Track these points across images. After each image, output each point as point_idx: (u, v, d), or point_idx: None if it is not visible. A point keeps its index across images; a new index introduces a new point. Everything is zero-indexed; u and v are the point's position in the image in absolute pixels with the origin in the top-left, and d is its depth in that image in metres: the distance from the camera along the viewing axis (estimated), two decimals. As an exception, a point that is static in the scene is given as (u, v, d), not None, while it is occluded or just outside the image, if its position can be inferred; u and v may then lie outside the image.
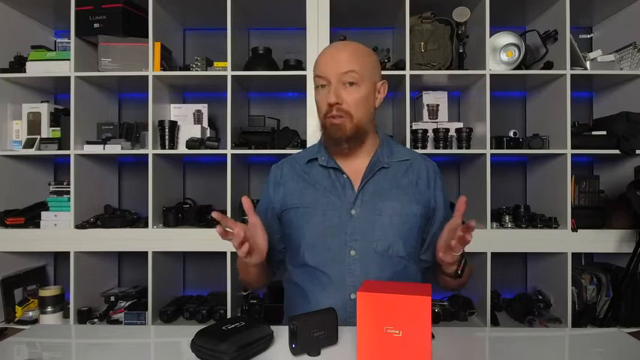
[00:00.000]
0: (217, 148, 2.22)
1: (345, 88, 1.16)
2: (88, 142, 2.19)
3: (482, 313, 2.15)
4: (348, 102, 1.17)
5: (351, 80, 1.16)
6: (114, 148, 2.17)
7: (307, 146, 1.89)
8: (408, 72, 2.10)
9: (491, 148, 2.11)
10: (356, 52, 1.18)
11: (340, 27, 2.37)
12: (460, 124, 2.29)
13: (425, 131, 2.21)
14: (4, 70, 2.22)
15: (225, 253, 2.11)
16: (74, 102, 2.14)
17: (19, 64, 2.23)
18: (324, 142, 1.28)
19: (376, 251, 1.21)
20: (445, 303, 2.23)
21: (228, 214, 2.14)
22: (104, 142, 2.19)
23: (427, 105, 2.34)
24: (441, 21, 2.21)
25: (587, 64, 2.19)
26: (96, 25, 2.15)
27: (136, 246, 2.14)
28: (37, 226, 2.16)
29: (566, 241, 2.08)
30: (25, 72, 2.20)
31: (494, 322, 2.13)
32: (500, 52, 2.15)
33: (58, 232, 2.14)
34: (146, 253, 2.12)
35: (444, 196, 1.33)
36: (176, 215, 2.21)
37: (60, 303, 2.17)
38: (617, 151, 2.10)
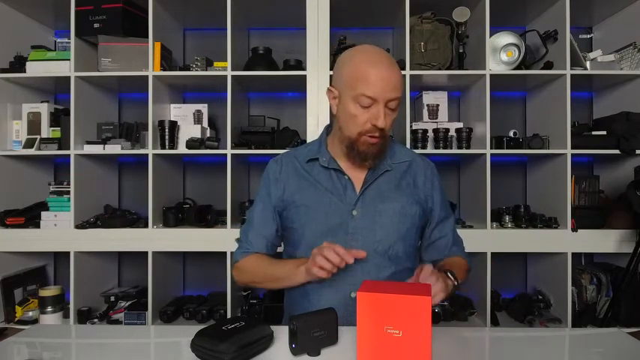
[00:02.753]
0: (217, 148, 2.22)
1: (387, 111, 1.16)
2: (88, 142, 2.19)
3: (482, 313, 2.15)
4: (387, 125, 1.17)
5: (394, 107, 1.17)
6: (114, 148, 2.17)
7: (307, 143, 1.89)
8: (408, 72, 2.10)
9: (491, 148, 2.11)
10: (400, 78, 1.17)
11: (340, 27, 2.37)
12: (460, 124, 2.29)
13: (425, 131, 2.21)
14: (4, 70, 2.22)
15: (225, 253, 2.11)
16: (74, 102, 2.13)
17: (19, 64, 2.23)
18: (348, 154, 1.23)
19: (377, 251, 1.22)
20: (445, 303, 2.22)
21: (228, 214, 2.14)
22: (104, 142, 2.19)
23: (427, 105, 2.34)
24: (441, 21, 2.21)
25: (587, 64, 2.19)
26: (96, 25, 2.14)
27: (136, 246, 2.14)
28: (37, 226, 2.16)
29: (566, 241, 2.08)
30: (25, 72, 2.20)
31: (495, 322, 2.13)
32: (500, 52, 2.15)
33: (58, 232, 2.14)
34: (146, 253, 2.12)
35: (442, 197, 1.35)
36: (176, 215, 2.21)
37: (60, 303, 2.18)
38: (617, 151, 2.10)
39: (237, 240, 1.37)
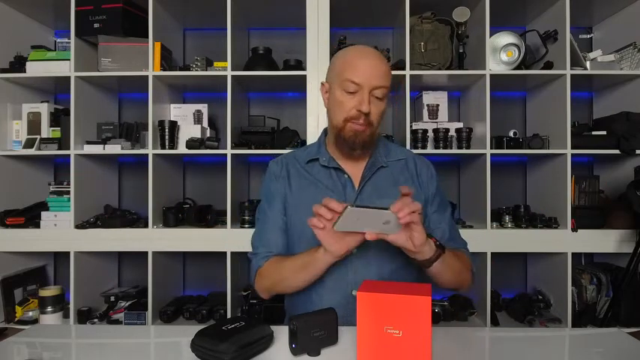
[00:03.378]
0: (217, 148, 2.22)
1: (373, 100, 1.19)
2: (88, 142, 2.19)
3: (482, 313, 2.15)
4: (373, 113, 1.20)
5: (380, 96, 1.20)
6: (114, 148, 2.17)
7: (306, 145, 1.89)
8: (408, 72, 2.10)
9: (491, 148, 2.11)
10: (388, 70, 1.21)
11: (340, 27, 2.37)
12: (460, 124, 2.29)
13: (425, 131, 2.21)
14: (4, 70, 2.22)
15: (225, 253, 2.11)
16: (74, 102, 2.13)
17: (19, 64, 2.23)
18: (336, 143, 1.27)
19: (377, 248, 1.21)
20: (445, 303, 2.23)
21: (228, 214, 2.14)
22: (104, 142, 2.19)
23: (427, 105, 2.34)
24: (441, 21, 2.21)
25: (587, 64, 2.19)
26: (96, 25, 2.14)
27: (135, 246, 2.14)
28: (37, 226, 2.16)
29: (566, 241, 2.08)
30: (25, 72, 2.20)
31: (494, 322, 2.13)
32: (500, 52, 2.15)
33: (58, 232, 2.14)
34: (146, 253, 2.12)
35: (438, 191, 1.35)
36: (176, 215, 2.21)
37: (60, 303, 2.17)
38: (617, 151, 2.10)
39: (251, 253, 1.32)
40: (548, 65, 2.17)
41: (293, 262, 1.20)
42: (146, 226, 2.15)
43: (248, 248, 1.34)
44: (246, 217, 2.16)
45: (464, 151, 2.20)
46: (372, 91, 1.18)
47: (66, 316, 2.17)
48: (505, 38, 2.14)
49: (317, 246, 1.13)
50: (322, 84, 1.30)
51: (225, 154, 2.14)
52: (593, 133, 2.20)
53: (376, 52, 1.24)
